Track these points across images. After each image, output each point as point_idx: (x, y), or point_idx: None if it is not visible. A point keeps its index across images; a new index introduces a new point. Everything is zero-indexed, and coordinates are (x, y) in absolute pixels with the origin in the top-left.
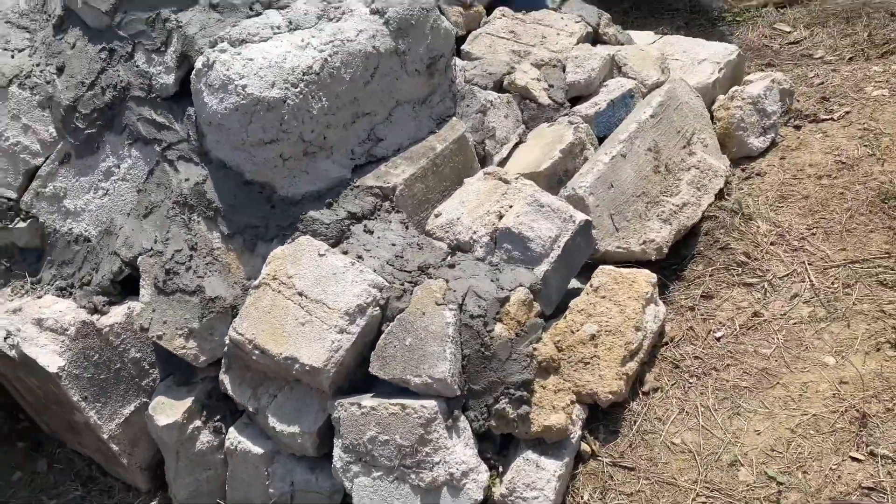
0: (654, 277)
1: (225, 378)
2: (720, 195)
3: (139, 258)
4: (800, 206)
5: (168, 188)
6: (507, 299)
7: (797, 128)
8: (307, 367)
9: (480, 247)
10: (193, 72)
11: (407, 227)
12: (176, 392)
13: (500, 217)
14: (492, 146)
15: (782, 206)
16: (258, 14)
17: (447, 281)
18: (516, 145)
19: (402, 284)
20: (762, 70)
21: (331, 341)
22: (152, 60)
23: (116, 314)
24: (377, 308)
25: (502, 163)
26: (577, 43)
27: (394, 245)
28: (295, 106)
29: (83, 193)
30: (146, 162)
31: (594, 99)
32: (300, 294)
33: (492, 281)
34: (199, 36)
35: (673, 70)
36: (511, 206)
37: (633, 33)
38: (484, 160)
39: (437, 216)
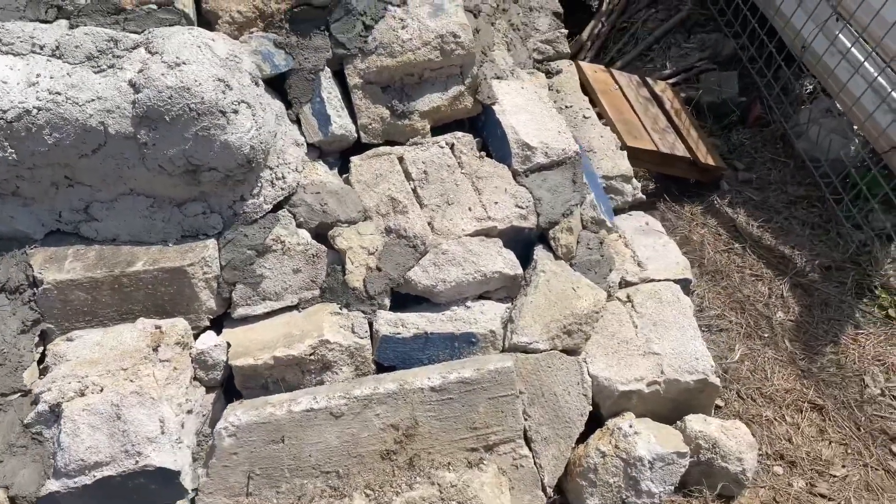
0: None
1: None
2: None
3: None
4: None
5: None
6: None
7: None
8: None
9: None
10: None
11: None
12: None
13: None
14: (246, 296)
15: None
16: (45, 21)
17: None
18: (279, 312)
19: None
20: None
21: None
22: None
23: None
24: None
25: (245, 320)
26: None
27: None
28: None
29: None
30: None
31: (413, 316)
32: None
33: None
34: None
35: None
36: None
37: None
38: (230, 305)
39: (68, 339)
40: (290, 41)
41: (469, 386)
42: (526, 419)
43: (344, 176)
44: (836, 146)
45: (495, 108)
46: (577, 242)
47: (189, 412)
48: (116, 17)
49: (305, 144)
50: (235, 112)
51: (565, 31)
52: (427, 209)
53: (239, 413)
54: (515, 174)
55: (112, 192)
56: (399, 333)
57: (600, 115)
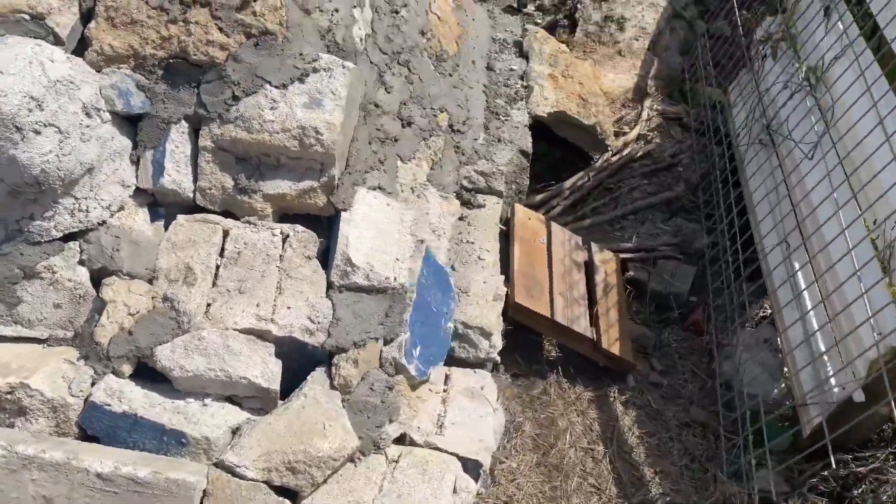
0: None
1: None
2: None
3: None
4: None
5: None
6: None
7: None
8: None
9: None
10: None
11: None
12: None
13: None
14: None
15: None
16: None
17: None
18: (26, 340)
19: None
20: None
21: None
22: None
23: None
24: None
25: None
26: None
27: None
28: None
29: None
30: None
31: (139, 393)
32: None
33: None
34: None
35: None
36: None
37: None
38: None
39: None
40: (156, 87)
41: (139, 486)
42: None
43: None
44: (759, 383)
45: (343, 214)
46: (362, 379)
47: None
48: None
49: (134, 188)
50: (36, 133)
51: (525, 168)
52: (216, 290)
53: None
54: (330, 286)
55: None
56: (109, 405)
57: (505, 263)
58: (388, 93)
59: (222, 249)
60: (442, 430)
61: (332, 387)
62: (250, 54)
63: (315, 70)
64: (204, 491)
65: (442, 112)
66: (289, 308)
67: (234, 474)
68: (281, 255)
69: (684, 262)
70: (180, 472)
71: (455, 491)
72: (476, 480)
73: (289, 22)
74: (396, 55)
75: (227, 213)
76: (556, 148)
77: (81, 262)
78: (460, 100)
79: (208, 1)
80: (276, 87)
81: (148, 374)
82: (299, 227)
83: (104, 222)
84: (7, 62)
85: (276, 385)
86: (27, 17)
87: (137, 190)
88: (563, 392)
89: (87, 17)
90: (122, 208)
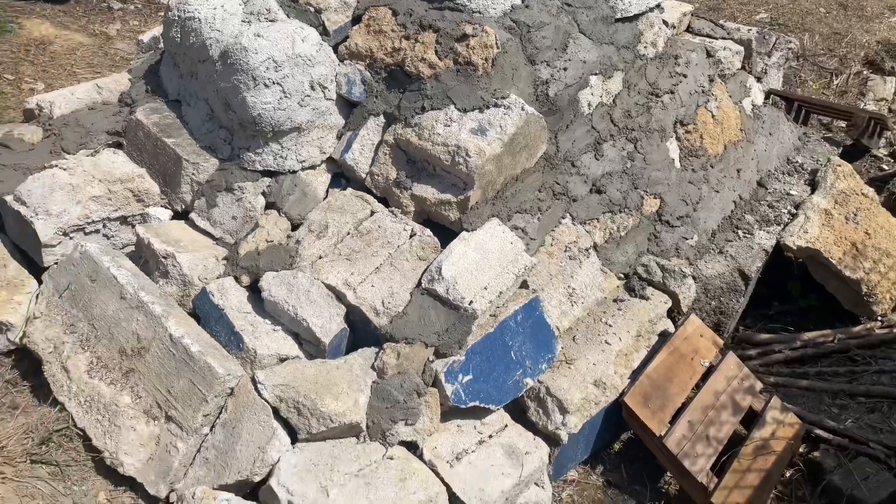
0: None
1: None
2: None
3: None
4: None
5: None
6: None
7: None
8: None
9: None
10: None
11: None
12: None
13: None
14: (202, 208)
15: None
16: None
17: None
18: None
19: None
20: None
21: None
22: None
23: None
24: None
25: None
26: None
27: None
28: None
29: None
30: None
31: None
32: None
33: None
34: None
35: None
36: None
37: None
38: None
39: None
40: (376, 85)
41: (187, 357)
42: None
43: None
44: None
45: (463, 233)
46: (398, 373)
47: None
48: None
49: (328, 156)
50: (266, 86)
51: (739, 290)
52: (333, 250)
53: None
54: (417, 285)
55: (194, 95)
56: (213, 296)
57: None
58: (596, 159)
59: (360, 223)
60: (454, 463)
61: (372, 367)
62: (450, 78)
63: (496, 105)
64: (231, 389)
65: (654, 198)
66: (373, 286)
67: (256, 388)
68: (399, 246)
69: (890, 473)
70: (217, 362)
71: None
72: None
73: (496, 62)
74: (628, 131)
75: (382, 200)
76: (814, 294)
77: (263, 194)
78: (689, 196)
79: (438, 28)
80: (458, 109)
81: (258, 291)
82: (427, 231)
83: (294, 172)
84: (273, 31)
85: (326, 339)
86: (312, 9)
87: (331, 159)
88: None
89: (354, 21)
90: (312, 167)
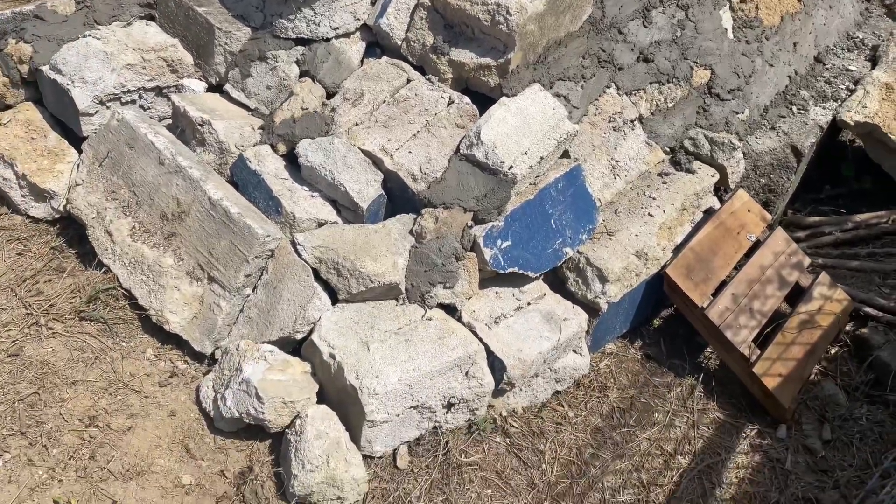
0: None
1: None
2: None
3: None
4: None
5: None
6: None
7: None
8: None
9: None
10: None
11: None
12: None
13: None
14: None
15: None
16: None
17: None
18: None
19: None
20: None
21: None
22: None
23: None
24: None
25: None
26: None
27: None
28: None
29: None
30: None
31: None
32: None
33: None
34: None
35: None
36: None
37: None
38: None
39: None
40: None
41: (227, 219)
42: None
43: None
44: None
45: (503, 98)
46: (437, 237)
47: None
48: None
49: (362, 23)
50: None
51: (791, 168)
52: (369, 117)
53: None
54: (456, 151)
55: None
56: (250, 162)
57: (689, 238)
58: (644, 26)
59: (396, 91)
60: (493, 326)
61: (410, 232)
62: None
63: None
64: (271, 251)
65: (704, 69)
66: (410, 153)
67: (295, 250)
68: (436, 114)
69: None
70: (257, 223)
71: (466, 375)
72: (496, 382)
73: None
74: None
75: (418, 69)
76: (868, 176)
77: (297, 63)
78: (742, 69)
79: None
80: None
81: (295, 159)
82: (466, 99)
83: (328, 40)
84: None
85: (364, 204)
86: None
87: (365, 27)
88: (684, 396)
89: None
90: (346, 34)
